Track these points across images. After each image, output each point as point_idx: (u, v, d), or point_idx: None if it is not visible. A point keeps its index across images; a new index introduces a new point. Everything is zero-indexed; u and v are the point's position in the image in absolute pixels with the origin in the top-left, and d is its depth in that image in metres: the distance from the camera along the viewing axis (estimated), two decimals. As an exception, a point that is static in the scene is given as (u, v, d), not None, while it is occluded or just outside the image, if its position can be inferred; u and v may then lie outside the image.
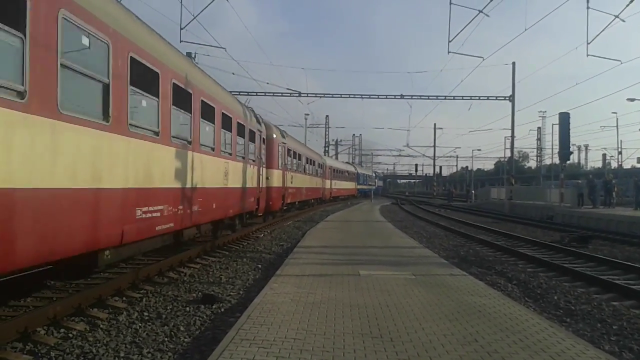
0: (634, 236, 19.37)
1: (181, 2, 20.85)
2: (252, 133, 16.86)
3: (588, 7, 21.09)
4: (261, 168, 18.57)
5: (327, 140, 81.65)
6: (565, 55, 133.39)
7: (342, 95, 43.71)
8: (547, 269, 12.02)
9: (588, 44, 21.97)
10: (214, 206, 12.15)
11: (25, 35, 5.09)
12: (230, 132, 13.71)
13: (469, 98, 42.18)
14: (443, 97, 42.79)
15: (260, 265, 11.40)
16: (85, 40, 6.37)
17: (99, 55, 6.74)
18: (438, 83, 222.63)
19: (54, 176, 5.67)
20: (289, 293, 7.64)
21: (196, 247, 12.44)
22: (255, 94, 41.27)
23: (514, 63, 40.08)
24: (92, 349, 5.59)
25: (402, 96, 42.72)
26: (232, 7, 72.83)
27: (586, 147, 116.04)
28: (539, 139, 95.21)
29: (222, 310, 7.47)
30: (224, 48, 33.96)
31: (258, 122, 18.59)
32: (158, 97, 8.63)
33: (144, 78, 8.16)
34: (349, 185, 61.03)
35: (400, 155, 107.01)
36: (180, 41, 30.11)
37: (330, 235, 17.02)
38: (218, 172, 12.43)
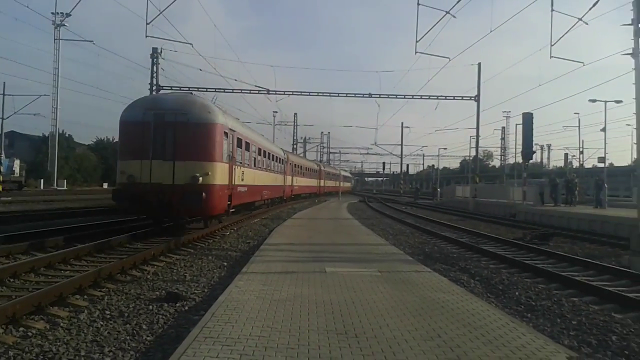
0: (594, 233, 19.92)
1: (147, -4, 20.54)
2: (279, 158, 31.93)
3: (552, 10, 21.60)
4: (285, 176, 34.97)
5: (295, 137, 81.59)
6: (530, 57, 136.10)
7: (311, 93, 43.31)
8: (510, 265, 12.25)
9: (552, 45, 22.42)
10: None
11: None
12: (269, 159, 27.81)
13: (435, 98, 42.54)
14: (410, 97, 43.04)
15: (226, 263, 11.31)
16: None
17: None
18: (405, 82, 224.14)
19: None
20: (254, 291, 7.60)
21: (160, 245, 12.29)
22: (222, 90, 40.71)
23: (479, 64, 40.67)
24: (52, 347, 5.47)
25: (370, 95, 42.84)
26: (199, 2, 71.75)
27: (549, 146, 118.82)
28: (503, 139, 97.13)
29: (186, 308, 7.39)
30: (190, 44, 33.69)
31: (283, 152, 35.75)
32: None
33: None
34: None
35: (368, 154, 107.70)
36: (146, 36, 29.58)
37: (297, 233, 17.01)
38: (273, 177, 29.63)
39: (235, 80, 77.52)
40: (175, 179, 14.72)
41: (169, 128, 14.95)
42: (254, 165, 22.64)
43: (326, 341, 5.27)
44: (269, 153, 27.06)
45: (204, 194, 14.49)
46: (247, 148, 20.68)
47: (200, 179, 14.76)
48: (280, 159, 31.91)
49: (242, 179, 19.50)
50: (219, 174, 15.76)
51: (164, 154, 14.84)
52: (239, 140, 18.84)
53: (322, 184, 59.31)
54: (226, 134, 16.57)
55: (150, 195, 14.51)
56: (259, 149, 24.02)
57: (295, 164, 40.65)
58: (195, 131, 15.10)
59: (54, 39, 60.35)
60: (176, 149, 14.81)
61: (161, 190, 14.58)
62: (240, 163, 19.12)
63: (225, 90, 40.74)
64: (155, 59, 38.19)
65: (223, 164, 16.24)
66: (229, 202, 17.21)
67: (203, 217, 16.81)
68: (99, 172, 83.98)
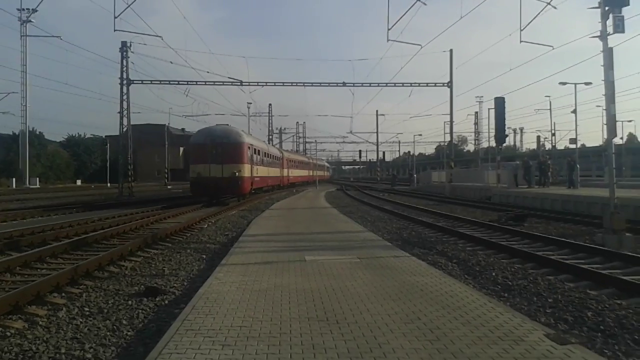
0: (568, 213, 20.29)
1: (114, -12, 20.20)
2: (277, 157, 44.42)
3: (521, -6, 21.78)
4: (282, 169, 47.53)
5: (270, 128, 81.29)
6: (500, 42, 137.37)
7: (285, 84, 42.97)
8: (486, 247, 12.41)
9: (521, 30, 22.71)
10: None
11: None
12: (272, 159, 40.41)
13: (409, 85, 42.71)
14: (384, 84, 43.11)
15: (204, 256, 11.26)
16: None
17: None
18: (379, 70, 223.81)
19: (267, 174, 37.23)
20: (234, 282, 7.59)
21: (136, 240, 12.18)
22: (195, 82, 40.23)
23: (451, 50, 40.74)
24: (31, 346, 5.42)
25: (344, 84, 42.75)
26: (169, -6, 70.58)
27: (521, 129, 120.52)
28: (476, 123, 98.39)
29: (166, 302, 7.35)
30: (160, 36, 33.07)
31: (279, 151, 50.24)
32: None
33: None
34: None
35: (344, 142, 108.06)
36: (115, 30, 29.05)
37: (276, 223, 17.00)
38: (275, 170, 42.66)
39: (207, 72, 76.39)
40: (223, 174, 27.14)
41: (219, 146, 27.44)
42: (263, 164, 35.36)
43: (308, 328, 5.30)
44: (271, 154, 40.85)
45: (239, 182, 27.49)
46: (259, 153, 33.69)
47: (237, 173, 27.43)
48: (277, 157, 45.85)
49: (257, 173, 32.41)
50: (246, 170, 28.54)
51: (216, 160, 27.23)
52: (255, 150, 32.05)
53: (311, 174, 72.57)
54: (249, 147, 29.68)
55: (210, 184, 26.94)
56: (265, 153, 37.24)
57: (290, 160, 55.53)
58: (233, 147, 27.98)
59: (21, 36, 58.96)
60: (223, 157, 27.24)
61: (216, 181, 26.86)
62: (256, 163, 31.84)
63: (198, 83, 40.32)
64: (124, 53, 37.48)
65: (248, 164, 29.02)
66: (251, 187, 30.30)
67: (238, 195, 29.18)
68: (72, 169, 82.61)
